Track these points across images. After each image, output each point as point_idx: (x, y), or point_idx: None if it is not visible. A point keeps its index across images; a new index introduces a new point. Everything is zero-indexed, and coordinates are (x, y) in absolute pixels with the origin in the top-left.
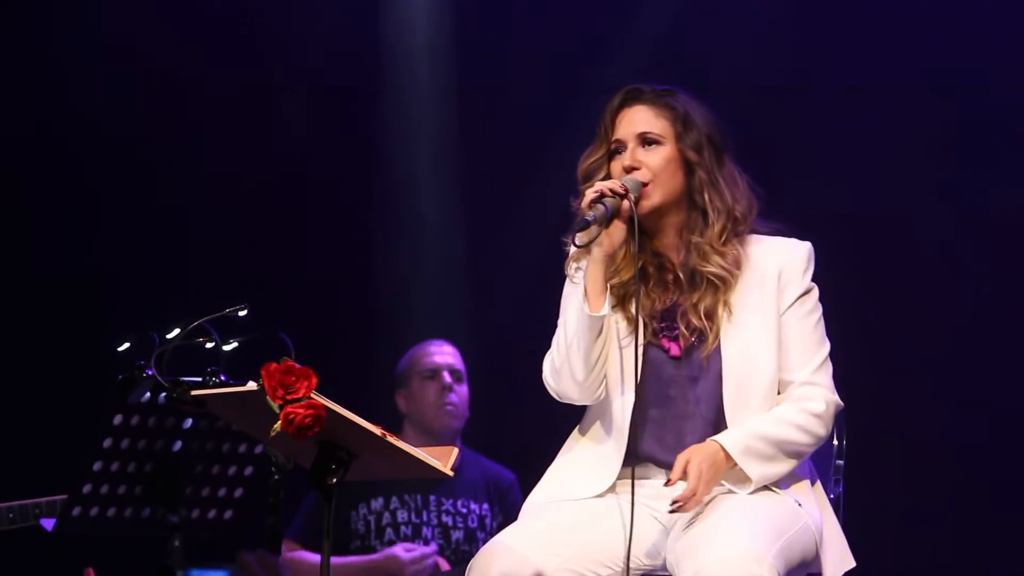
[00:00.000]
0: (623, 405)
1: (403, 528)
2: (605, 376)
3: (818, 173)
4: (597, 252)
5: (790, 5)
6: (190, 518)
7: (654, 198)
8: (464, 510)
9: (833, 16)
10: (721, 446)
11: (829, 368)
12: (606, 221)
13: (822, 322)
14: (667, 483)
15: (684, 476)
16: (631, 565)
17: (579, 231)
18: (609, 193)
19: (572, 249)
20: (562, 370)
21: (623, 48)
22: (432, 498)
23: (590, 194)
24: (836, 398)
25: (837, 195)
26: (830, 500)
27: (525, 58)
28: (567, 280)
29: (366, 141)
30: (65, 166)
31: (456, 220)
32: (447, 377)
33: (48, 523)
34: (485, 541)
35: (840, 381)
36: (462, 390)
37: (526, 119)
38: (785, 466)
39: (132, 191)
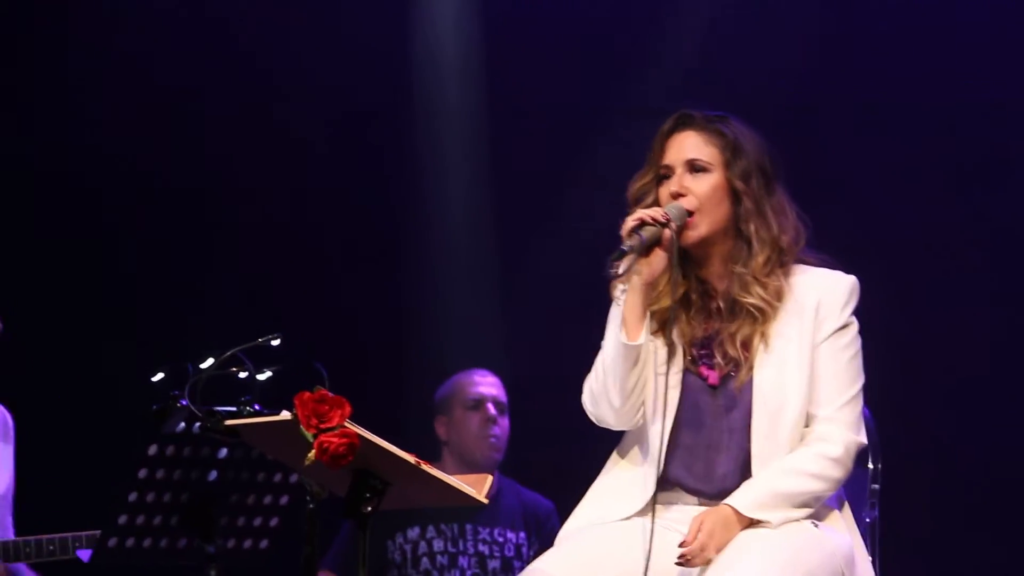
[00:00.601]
0: (659, 432)
1: (439, 558)
2: (643, 402)
3: (846, 193)
4: (636, 280)
5: (818, 24)
6: (226, 548)
7: (700, 228)
8: (501, 539)
9: (857, 34)
10: (734, 510)
11: (857, 406)
12: (644, 250)
13: (858, 358)
14: (682, 544)
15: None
16: None
17: (615, 260)
18: (650, 221)
19: (617, 273)
20: (599, 396)
21: (651, 67)
22: (468, 527)
23: (629, 222)
24: (858, 438)
25: (868, 216)
26: (865, 523)
27: (555, 77)
28: (614, 303)
29: (395, 163)
30: (97, 199)
31: (488, 244)
32: (492, 409)
33: (84, 554)
34: (522, 570)
35: (879, 405)
36: (504, 422)
37: (557, 139)
38: (803, 512)
39: (162, 219)
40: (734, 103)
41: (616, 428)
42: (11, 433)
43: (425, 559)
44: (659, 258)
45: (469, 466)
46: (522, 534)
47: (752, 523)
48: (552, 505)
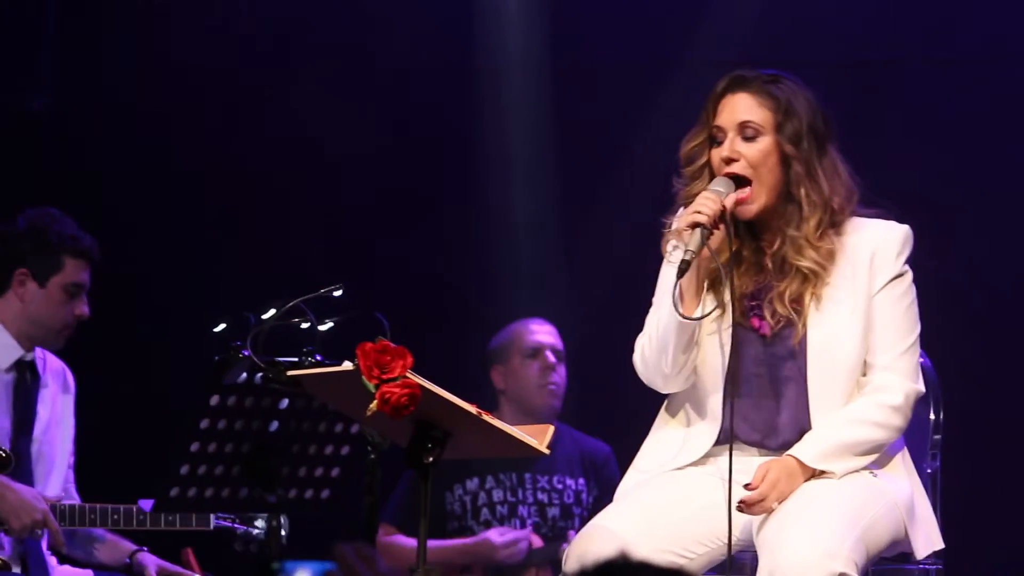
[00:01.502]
0: (716, 389)
1: (499, 507)
2: (694, 369)
3: (913, 149)
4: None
5: None
6: (287, 498)
7: (759, 200)
8: (560, 486)
9: None
10: (798, 461)
11: (915, 354)
12: (702, 248)
13: (914, 307)
14: (748, 485)
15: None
16: (723, 542)
17: (681, 274)
18: (704, 222)
19: (669, 229)
20: (651, 363)
21: (712, 23)
22: (527, 476)
23: (683, 224)
24: (916, 386)
25: (936, 173)
26: (927, 474)
27: (615, 35)
28: (664, 260)
29: (457, 122)
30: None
31: (548, 198)
32: (551, 357)
33: (147, 504)
34: (581, 517)
35: (938, 359)
36: (562, 370)
37: (617, 97)
38: (865, 460)
39: (228, 175)
40: (792, 57)
41: (664, 391)
42: (72, 390)
43: (485, 509)
44: (715, 238)
45: (528, 415)
46: (581, 480)
47: (815, 474)
48: (610, 449)
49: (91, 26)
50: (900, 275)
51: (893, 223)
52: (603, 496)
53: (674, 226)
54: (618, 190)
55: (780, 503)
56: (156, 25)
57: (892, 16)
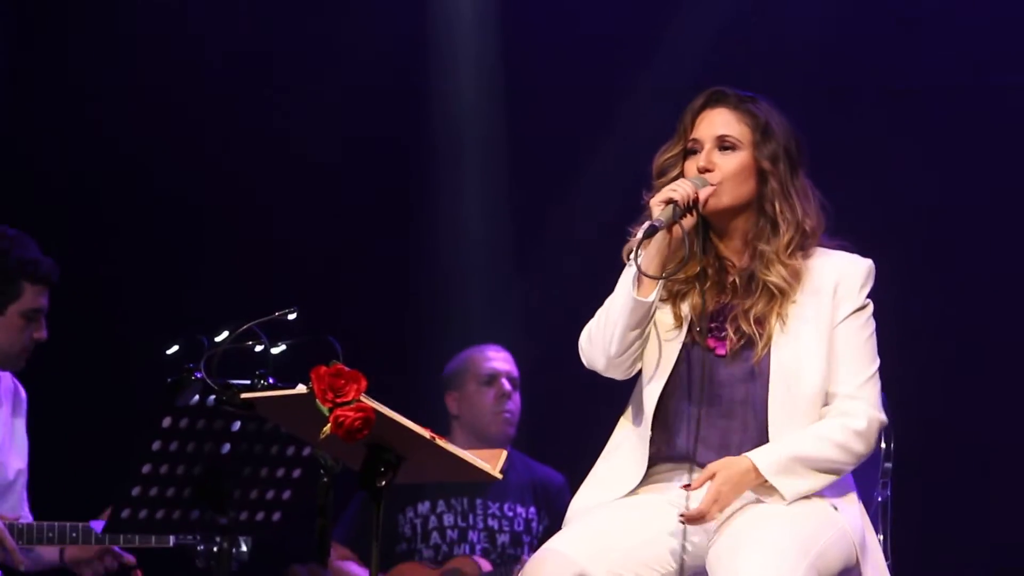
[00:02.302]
0: (651, 399)
1: (449, 532)
2: (640, 360)
3: (868, 175)
4: (659, 237)
5: (835, 6)
6: (238, 520)
7: (722, 199)
8: (511, 513)
9: (877, 18)
10: (754, 464)
11: (876, 384)
12: (671, 226)
13: (874, 339)
14: (686, 487)
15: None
16: (674, 566)
17: (647, 236)
18: (679, 201)
19: (633, 239)
20: (596, 340)
21: (670, 49)
22: (479, 501)
23: (659, 198)
24: (880, 415)
25: (891, 198)
26: (876, 503)
27: (572, 59)
28: (627, 267)
29: (410, 142)
30: (119, 172)
31: (502, 221)
32: (506, 384)
33: (98, 525)
34: (531, 545)
35: (893, 385)
36: (517, 397)
37: (571, 121)
38: (820, 482)
39: (172, 192)
40: (754, 85)
41: (604, 374)
42: (23, 406)
43: (435, 533)
44: (685, 221)
45: (482, 441)
46: (532, 509)
47: (764, 487)
48: (563, 479)
49: (57, 24)
50: (863, 307)
51: (856, 256)
52: (554, 526)
53: (648, 201)
54: (571, 213)
55: (721, 512)
56: (123, 25)
57: (848, 44)
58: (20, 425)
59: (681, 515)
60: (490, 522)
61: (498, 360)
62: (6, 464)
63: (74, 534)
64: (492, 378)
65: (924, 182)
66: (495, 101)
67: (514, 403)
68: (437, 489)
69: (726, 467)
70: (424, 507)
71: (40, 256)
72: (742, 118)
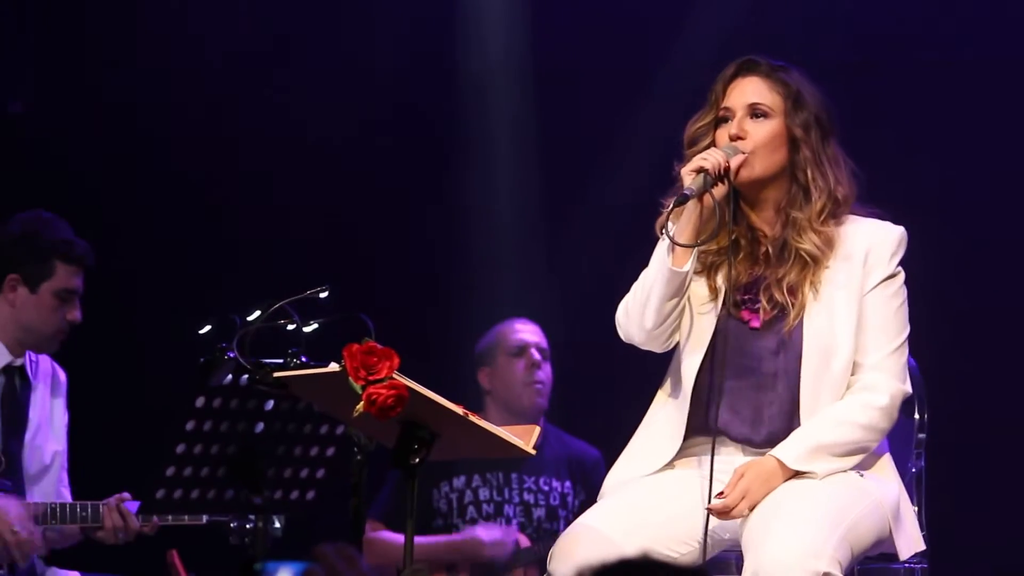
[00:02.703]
0: (690, 373)
1: (485, 506)
2: (678, 332)
3: (901, 151)
4: (691, 206)
5: None
6: (272, 499)
7: (755, 169)
8: (546, 488)
9: None
10: (779, 461)
11: (903, 355)
12: (702, 194)
13: (904, 308)
14: (719, 495)
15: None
16: (711, 540)
17: (678, 204)
18: (710, 170)
19: (665, 210)
20: (633, 313)
21: (699, 26)
22: (514, 476)
23: (691, 167)
24: (903, 387)
25: (921, 175)
26: (912, 474)
27: (602, 36)
28: (660, 240)
29: (442, 126)
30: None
31: (532, 198)
32: (535, 354)
33: (132, 506)
34: (567, 519)
35: (925, 360)
36: (548, 368)
37: (600, 101)
38: (850, 462)
39: (204, 176)
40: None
41: (642, 347)
42: (63, 388)
43: (471, 508)
44: (717, 190)
45: (514, 415)
46: (567, 483)
47: (796, 474)
48: (599, 454)
49: (71, 29)
50: (893, 275)
51: (888, 223)
52: (589, 500)
53: (680, 171)
54: (602, 190)
55: (752, 509)
56: (139, 25)
57: (880, 18)
58: (59, 407)
59: (708, 507)
60: (526, 496)
61: (526, 332)
62: (43, 447)
63: (84, 513)
64: (521, 349)
65: (957, 157)
66: (524, 80)
67: (544, 373)
68: (472, 464)
69: (754, 466)
70: (459, 482)
71: (74, 238)
72: (774, 86)
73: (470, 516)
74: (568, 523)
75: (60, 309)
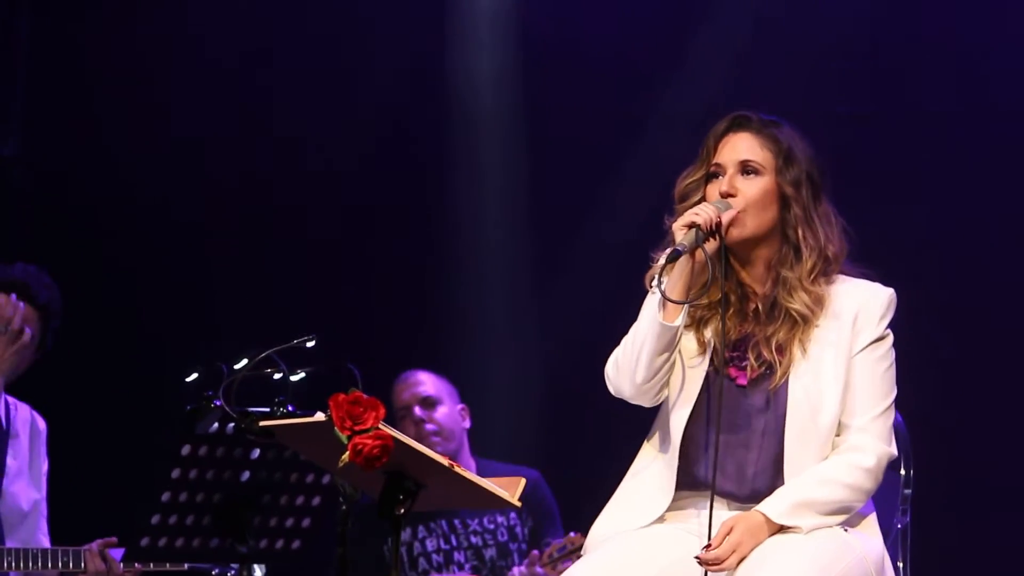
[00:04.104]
0: (678, 427)
1: (434, 556)
2: (667, 389)
3: (891, 200)
4: (683, 262)
5: (862, 29)
6: (258, 548)
7: (746, 228)
8: (491, 526)
9: (902, 42)
10: (765, 516)
11: (890, 417)
12: (694, 250)
13: (892, 371)
14: (707, 548)
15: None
16: None
17: (670, 261)
18: (702, 225)
19: (656, 264)
20: (624, 367)
21: (694, 68)
22: (456, 521)
23: (682, 222)
24: (889, 449)
25: (911, 221)
26: (896, 530)
27: (590, 82)
28: (649, 294)
29: (430, 165)
30: (128, 201)
31: (523, 243)
32: (417, 411)
33: (117, 553)
34: (519, 551)
35: (912, 413)
36: (440, 413)
37: (592, 142)
38: (833, 520)
39: (194, 224)
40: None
41: (632, 401)
42: (42, 437)
43: (421, 559)
44: (709, 245)
45: None
46: (512, 515)
47: (781, 529)
48: (537, 474)
49: (62, 73)
50: (881, 338)
51: (878, 285)
52: (540, 523)
53: (671, 225)
54: (593, 231)
55: (740, 563)
56: (132, 67)
57: (868, 70)
58: (38, 455)
59: (697, 556)
60: (473, 539)
61: (405, 389)
62: (20, 494)
63: (65, 558)
64: (405, 410)
65: (953, 205)
66: (516, 105)
67: (433, 423)
68: (414, 516)
69: (743, 520)
70: (405, 535)
71: (22, 276)
72: (765, 143)
73: (422, 568)
74: (522, 554)
75: None
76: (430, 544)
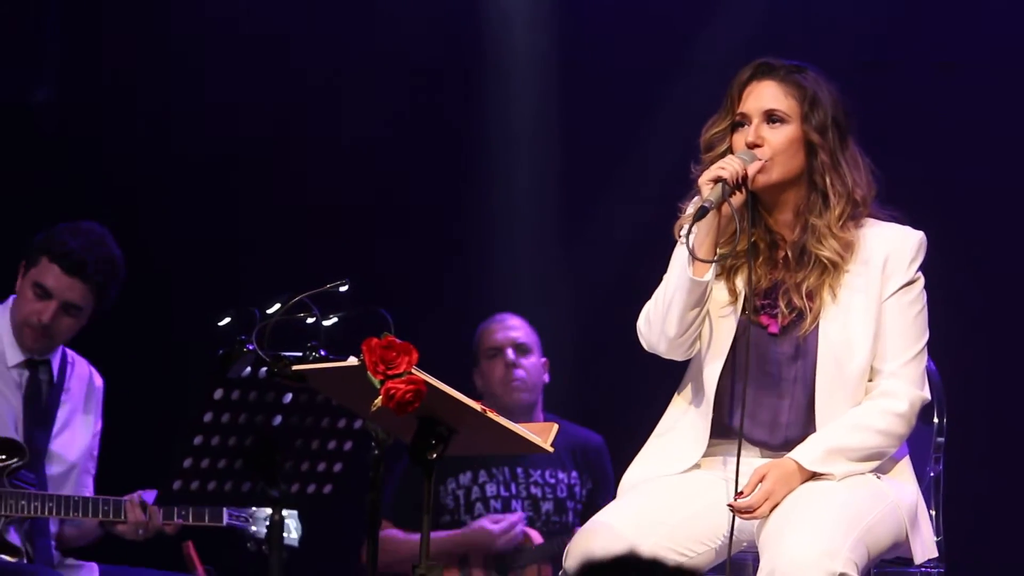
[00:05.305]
0: (712, 378)
1: (492, 502)
2: (699, 340)
3: (917, 150)
4: (711, 216)
5: None
6: (289, 492)
7: (772, 174)
8: (552, 480)
9: None
10: (798, 464)
11: (922, 362)
12: (720, 204)
13: (923, 314)
14: (738, 494)
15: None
16: (723, 540)
17: (698, 219)
18: (728, 179)
19: (684, 217)
20: (655, 322)
21: (718, 23)
22: (520, 470)
23: (708, 176)
24: (922, 393)
25: (940, 174)
26: (930, 478)
27: (622, 32)
28: (678, 244)
29: (462, 119)
30: (161, 162)
31: (551, 194)
32: (510, 354)
33: (149, 495)
34: (575, 510)
35: (943, 363)
36: (530, 362)
37: (622, 93)
38: (867, 467)
39: (221, 166)
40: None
41: (665, 356)
42: (98, 394)
43: (479, 504)
44: (735, 198)
45: (506, 412)
46: (574, 473)
47: (814, 476)
48: (601, 440)
49: (93, 19)
50: (912, 282)
51: (908, 228)
52: (597, 488)
53: (697, 177)
54: (621, 185)
55: (772, 510)
56: (158, 18)
57: (898, 19)
58: (92, 413)
59: (730, 504)
60: (533, 490)
61: (501, 330)
62: (68, 446)
63: (106, 507)
64: (496, 350)
65: (975, 158)
66: (547, 70)
67: (524, 370)
68: (478, 460)
69: (775, 468)
70: (466, 478)
71: (77, 247)
72: (790, 91)
73: (478, 512)
74: (577, 514)
75: (33, 303)
76: (490, 489)
